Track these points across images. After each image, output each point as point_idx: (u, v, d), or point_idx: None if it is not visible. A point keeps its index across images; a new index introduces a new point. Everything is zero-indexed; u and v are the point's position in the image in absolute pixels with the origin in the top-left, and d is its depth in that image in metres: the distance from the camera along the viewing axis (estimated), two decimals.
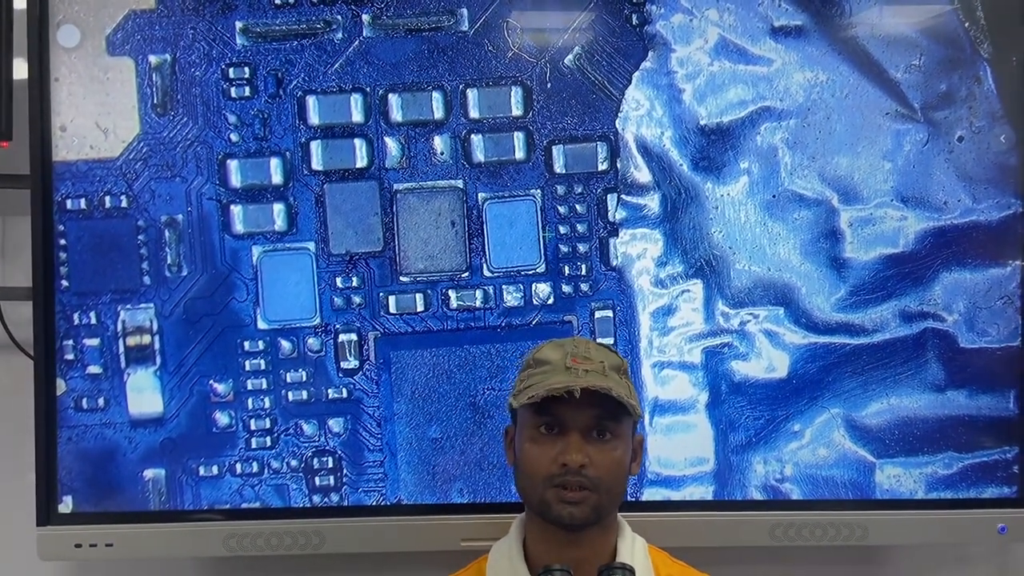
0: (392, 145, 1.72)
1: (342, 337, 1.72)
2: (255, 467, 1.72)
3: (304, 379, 1.72)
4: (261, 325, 1.71)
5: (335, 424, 1.73)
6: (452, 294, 1.72)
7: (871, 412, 1.75)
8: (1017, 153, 1.74)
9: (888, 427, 1.75)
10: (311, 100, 1.71)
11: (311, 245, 1.71)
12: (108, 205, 1.71)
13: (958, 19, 1.74)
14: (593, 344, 1.38)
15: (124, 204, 1.71)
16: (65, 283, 1.70)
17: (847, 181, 1.73)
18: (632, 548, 1.37)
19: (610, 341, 1.72)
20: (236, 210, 1.71)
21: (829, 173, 1.74)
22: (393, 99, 1.71)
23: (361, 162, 1.72)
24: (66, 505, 1.71)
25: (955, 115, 1.74)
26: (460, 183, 1.72)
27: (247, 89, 1.71)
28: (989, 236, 1.74)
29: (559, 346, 1.36)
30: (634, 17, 1.72)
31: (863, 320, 1.74)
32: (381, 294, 1.72)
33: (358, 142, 1.72)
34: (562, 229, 1.73)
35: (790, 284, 1.74)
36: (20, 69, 1.73)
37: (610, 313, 1.73)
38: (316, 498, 1.73)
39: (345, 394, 1.72)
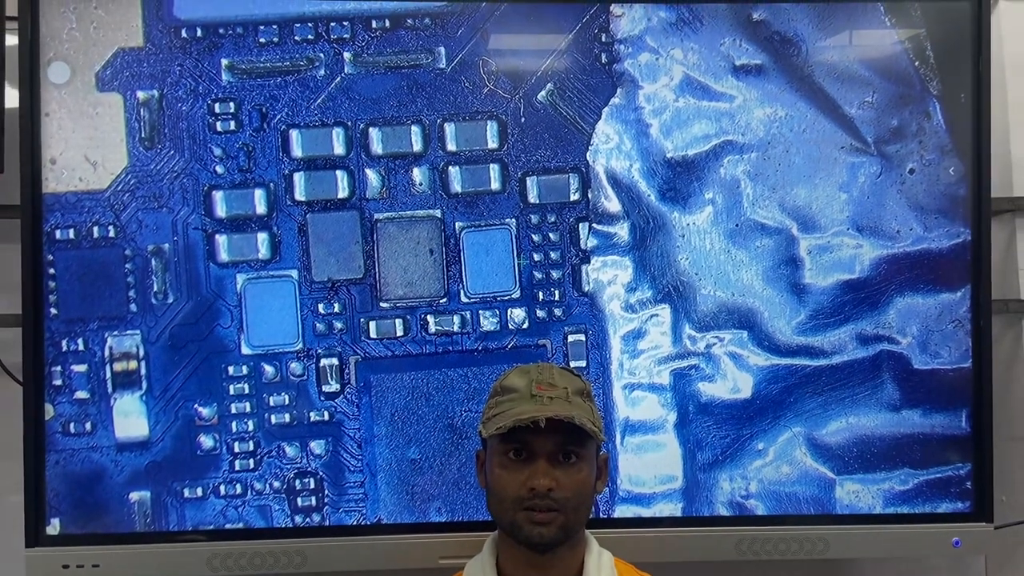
0: (373, 176, 1.78)
1: (324, 362, 1.77)
2: (239, 489, 1.76)
3: (287, 403, 1.77)
4: (245, 350, 1.76)
5: (317, 446, 1.77)
6: (431, 319, 1.78)
7: (831, 431, 1.82)
8: (965, 184, 1.83)
9: (847, 445, 1.82)
10: (294, 134, 1.77)
11: (294, 273, 1.77)
12: (96, 235, 1.75)
13: (909, 59, 1.84)
14: (557, 369, 1.44)
15: (112, 234, 1.75)
16: (54, 311, 1.74)
17: (805, 211, 1.82)
18: (599, 562, 1.43)
19: (583, 364, 1.78)
20: (221, 239, 1.76)
21: (789, 203, 1.82)
22: (374, 133, 1.78)
23: (343, 193, 1.78)
24: (54, 527, 1.73)
25: (906, 149, 1.83)
26: (438, 213, 1.78)
27: (232, 123, 1.76)
28: (940, 263, 1.83)
29: (525, 373, 1.42)
30: (603, 56, 1.80)
31: (822, 343, 1.82)
32: (362, 320, 1.78)
33: (340, 174, 1.78)
34: (536, 257, 1.79)
35: (753, 308, 1.82)
36: (12, 103, 1.77)
37: (582, 337, 1.80)
38: (298, 518, 1.77)
39: (327, 417, 1.77)
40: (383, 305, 1.78)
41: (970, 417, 1.83)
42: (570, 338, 1.80)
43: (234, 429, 1.76)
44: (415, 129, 1.78)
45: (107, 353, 1.75)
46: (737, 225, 1.81)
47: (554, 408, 1.35)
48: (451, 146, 1.78)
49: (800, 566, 1.91)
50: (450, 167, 1.78)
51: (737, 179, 1.81)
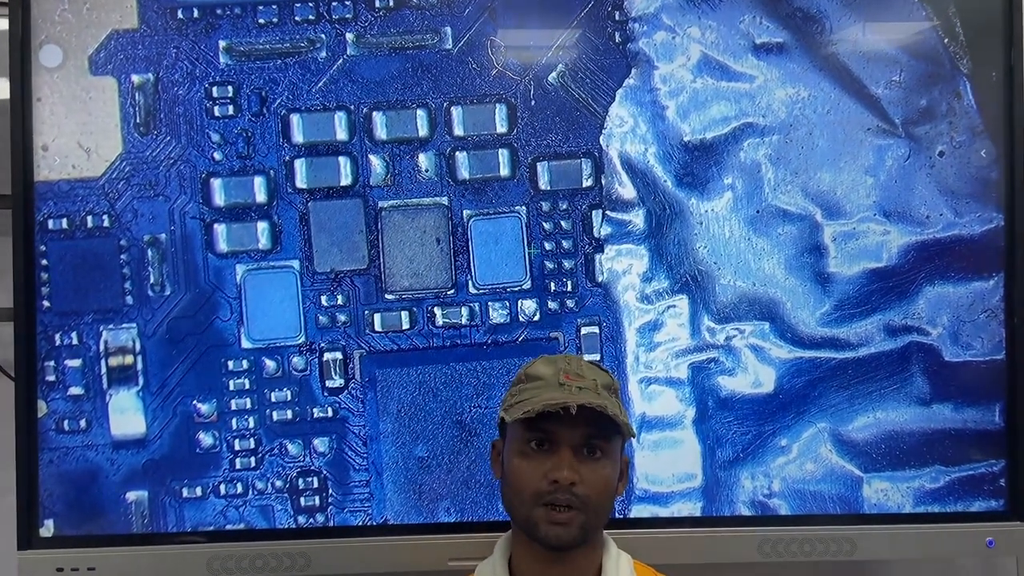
0: (377, 163, 1.72)
1: (327, 356, 1.71)
2: (239, 488, 1.71)
3: (289, 398, 1.71)
4: (245, 344, 1.71)
5: (320, 444, 1.71)
6: (438, 311, 1.72)
7: (858, 426, 1.75)
8: (998, 167, 1.76)
9: (875, 441, 1.75)
10: (295, 118, 1.71)
11: (295, 263, 1.71)
12: (90, 225, 1.70)
13: (938, 36, 1.76)
14: (585, 362, 1.38)
15: (106, 224, 1.70)
16: (47, 303, 1.69)
17: (830, 196, 1.75)
18: (617, 565, 1.36)
19: (596, 357, 1.72)
20: (220, 229, 1.71)
21: (812, 188, 1.75)
22: (377, 117, 1.72)
23: (345, 180, 1.72)
24: (47, 529, 1.69)
25: (936, 130, 1.75)
26: (445, 200, 1.72)
27: (231, 108, 1.71)
28: (971, 250, 1.76)
29: (551, 362, 1.36)
30: (617, 35, 1.73)
31: (848, 334, 1.75)
32: (366, 312, 1.72)
33: (342, 160, 1.72)
34: (547, 245, 1.73)
35: (775, 299, 1.75)
36: (2, 89, 1.72)
37: (596, 329, 1.73)
38: (301, 519, 1.71)
39: (330, 413, 1.71)
40: (388, 297, 1.72)
41: (1004, 411, 1.76)
42: (583, 330, 1.73)
43: (234, 426, 1.71)
44: (420, 113, 1.72)
45: (102, 347, 1.70)
46: (758, 211, 1.74)
47: (583, 397, 1.29)
48: (458, 131, 1.72)
49: (826, 568, 1.85)
50: (457, 152, 1.72)
51: (758, 163, 1.74)
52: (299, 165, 1.71)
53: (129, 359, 1.70)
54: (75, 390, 1.70)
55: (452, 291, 1.72)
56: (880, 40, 1.75)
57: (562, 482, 1.27)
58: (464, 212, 1.72)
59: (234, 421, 1.70)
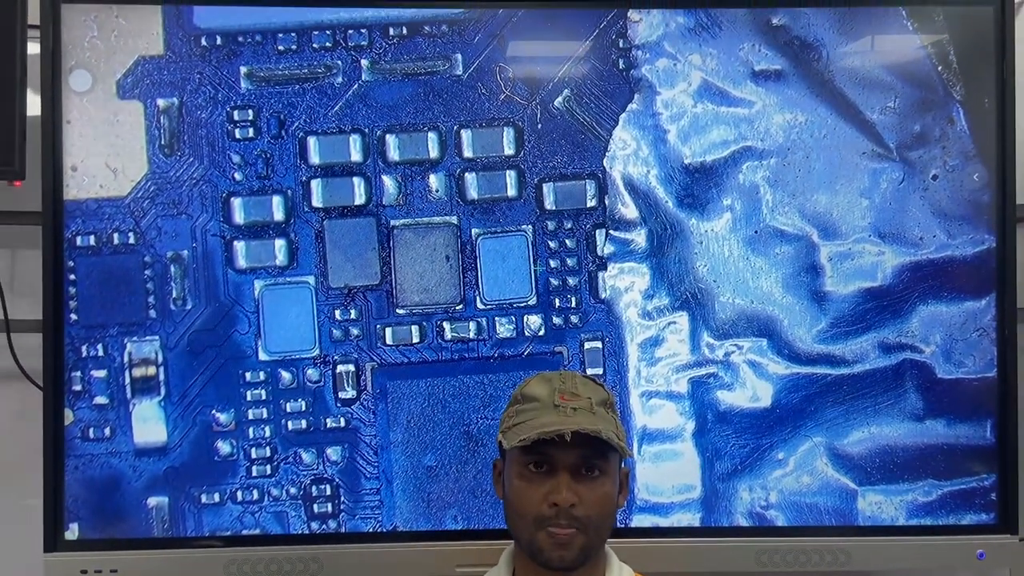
0: (389, 183, 1.78)
1: (340, 368, 1.77)
2: (255, 495, 1.76)
3: (303, 409, 1.77)
4: (262, 356, 1.76)
5: (333, 453, 1.77)
6: (447, 326, 1.78)
7: (853, 440, 1.79)
8: (990, 191, 1.80)
9: (869, 455, 1.79)
10: (312, 140, 1.77)
11: (311, 279, 1.77)
12: (116, 241, 1.76)
13: (931, 63, 1.81)
14: (580, 378, 1.38)
15: (132, 240, 1.76)
16: (74, 316, 1.75)
17: (826, 217, 1.80)
18: None
19: (599, 371, 1.77)
20: (239, 246, 1.77)
21: (809, 210, 1.80)
22: (390, 139, 1.78)
23: (359, 199, 1.78)
24: (72, 532, 1.74)
25: (929, 154, 1.80)
26: (455, 219, 1.78)
27: (251, 130, 1.77)
28: (964, 270, 1.80)
29: (547, 381, 1.37)
30: (621, 61, 1.79)
31: (843, 351, 1.79)
32: (378, 326, 1.78)
33: (357, 180, 1.78)
34: (552, 263, 1.79)
35: (773, 316, 1.80)
36: (33, 106, 1.78)
37: (599, 344, 1.79)
38: (314, 525, 1.77)
39: (343, 423, 1.77)
40: (399, 311, 1.78)
41: (995, 427, 1.80)
42: (587, 345, 1.78)
43: (251, 435, 1.76)
44: (432, 136, 1.78)
45: (126, 359, 1.76)
46: (756, 232, 1.80)
47: (578, 420, 1.30)
48: (468, 152, 1.78)
49: None
50: (467, 173, 1.78)
51: (756, 185, 1.80)
52: (315, 185, 1.78)
53: (152, 370, 1.76)
54: (100, 399, 1.75)
55: (460, 306, 1.78)
56: (875, 67, 1.80)
57: (561, 504, 1.28)
58: (473, 231, 1.78)
59: (251, 430, 1.76)
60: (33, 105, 1.79)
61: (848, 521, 1.79)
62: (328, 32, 1.77)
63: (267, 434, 1.76)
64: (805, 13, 1.79)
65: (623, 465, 1.40)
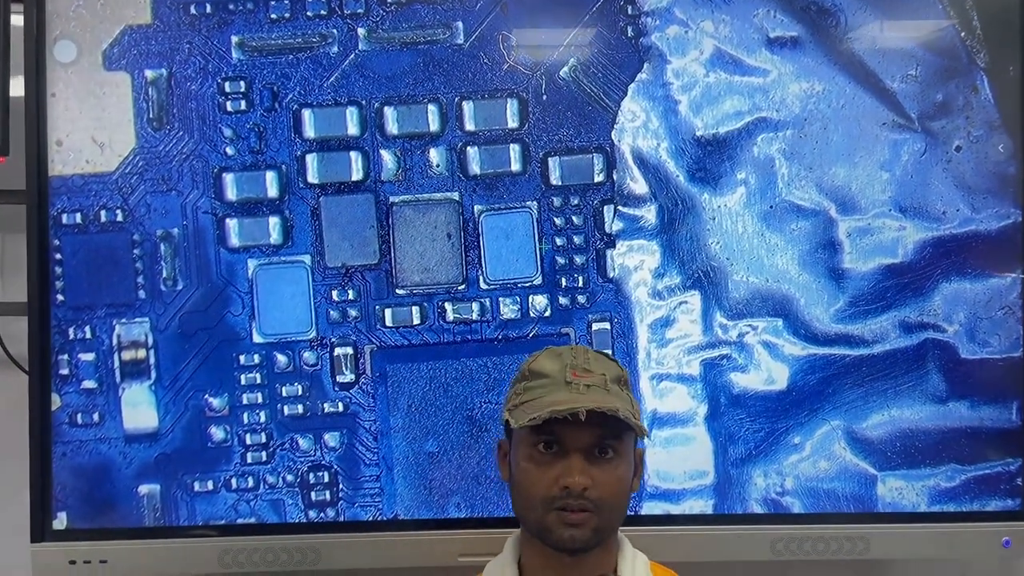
0: (388, 158, 1.72)
1: (338, 351, 1.71)
2: (250, 482, 1.71)
3: (300, 393, 1.71)
4: (256, 339, 1.71)
5: (331, 438, 1.71)
6: (448, 307, 1.72)
7: (872, 424, 1.73)
8: (1015, 162, 1.74)
9: (889, 439, 1.73)
10: (307, 113, 1.71)
11: (307, 258, 1.71)
12: (104, 219, 1.70)
13: (954, 30, 1.74)
14: (592, 353, 1.33)
15: (120, 218, 1.71)
16: (60, 297, 1.70)
17: (845, 191, 1.73)
18: (633, 566, 1.32)
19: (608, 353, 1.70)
20: (232, 223, 1.71)
21: (827, 183, 1.73)
22: (389, 112, 1.71)
23: (357, 175, 1.71)
24: (60, 521, 1.70)
25: (952, 125, 1.73)
26: (456, 195, 1.72)
27: (243, 103, 1.71)
28: (989, 246, 1.73)
29: (557, 356, 1.31)
30: (629, 29, 1.72)
31: (863, 331, 1.73)
32: (377, 307, 1.71)
33: (354, 155, 1.72)
34: (559, 241, 1.72)
35: (788, 295, 1.73)
36: (17, 84, 1.73)
37: (607, 325, 1.72)
38: (312, 513, 1.71)
39: (341, 408, 1.71)
40: (399, 292, 1.71)
41: (1021, 410, 1.74)
42: (594, 326, 1.72)
43: (246, 420, 1.71)
44: (432, 108, 1.71)
45: (115, 341, 1.71)
46: (771, 207, 1.73)
47: (593, 397, 1.23)
48: (469, 125, 1.71)
49: (839, 567, 1.82)
50: (468, 147, 1.71)
51: (771, 158, 1.73)
52: (311, 160, 1.71)
53: (142, 353, 1.70)
54: (88, 384, 1.70)
55: (463, 286, 1.72)
56: (896, 34, 1.73)
57: (573, 488, 1.23)
58: (475, 207, 1.72)
59: (245, 415, 1.71)
60: (16, 78, 1.73)
61: (867, 508, 1.73)
62: None
63: (262, 419, 1.71)
64: None
65: (637, 446, 1.33)
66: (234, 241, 1.71)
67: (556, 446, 1.25)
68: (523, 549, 1.34)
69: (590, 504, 1.24)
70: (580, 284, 1.72)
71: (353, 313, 1.72)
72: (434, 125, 1.71)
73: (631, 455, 1.31)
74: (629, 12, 1.72)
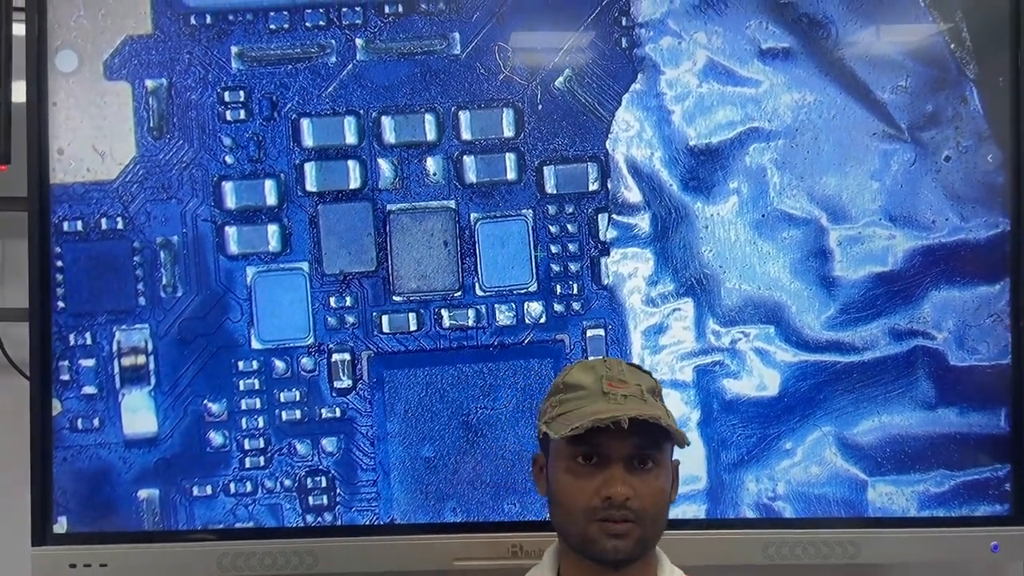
0: (385, 166, 1.74)
1: (335, 356, 1.73)
2: (249, 487, 1.72)
3: (298, 399, 1.73)
4: (255, 345, 1.72)
5: (328, 443, 1.73)
6: (445, 313, 1.73)
7: (862, 430, 1.75)
8: (1004, 172, 1.76)
9: (880, 445, 1.75)
10: (305, 122, 1.73)
11: (305, 265, 1.73)
12: (104, 227, 1.72)
13: (944, 41, 1.76)
14: (626, 365, 1.31)
15: (120, 226, 1.72)
16: (61, 304, 1.71)
17: (835, 200, 1.75)
18: None
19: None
20: (231, 231, 1.73)
21: (818, 192, 1.75)
22: (386, 121, 1.73)
23: (355, 183, 1.73)
24: (61, 525, 1.71)
25: (942, 135, 1.75)
26: (452, 203, 1.74)
27: (242, 112, 1.73)
28: (977, 254, 1.75)
29: (590, 368, 1.29)
30: (623, 40, 1.74)
31: (853, 338, 1.75)
32: (374, 313, 1.73)
33: (352, 163, 1.73)
34: (553, 248, 1.74)
35: (780, 302, 1.75)
36: (19, 93, 1.74)
37: (602, 332, 1.74)
38: (309, 517, 1.73)
39: (338, 413, 1.73)
40: (396, 299, 1.73)
41: (1009, 416, 1.75)
42: (589, 333, 1.74)
43: (244, 426, 1.73)
44: (429, 117, 1.73)
45: (115, 347, 1.72)
46: (763, 215, 1.75)
47: (632, 407, 1.21)
48: (466, 135, 1.73)
49: (830, 571, 1.83)
50: (465, 156, 1.73)
51: (763, 167, 1.75)
52: (309, 168, 1.73)
53: (141, 359, 1.72)
54: (89, 389, 1.72)
55: (459, 293, 1.74)
56: (886, 45, 1.75)
57: (616, 499, 1.21)
58: (471, 215, 1.74)
59: (244, 421, 1.72)
60: (18, 87, 1.74)
61: (858, 513, 1.75)
62: (321, 10, 1.72)
63: (260, 425, 1.73)
64: None
65: (672, 457, 1.32)
66: (233, 248, 1.73)
67: (596, 457, 1.24)
68: (562, 561, 1.31)
69: (632, 515, 1.22)
70: (575, 291, 1.74)
71: (350, 319, 1.73)
72: (431, 134, 1.73)
73: (669, 465, 1.29)
74: (623, 24, 1.74)
